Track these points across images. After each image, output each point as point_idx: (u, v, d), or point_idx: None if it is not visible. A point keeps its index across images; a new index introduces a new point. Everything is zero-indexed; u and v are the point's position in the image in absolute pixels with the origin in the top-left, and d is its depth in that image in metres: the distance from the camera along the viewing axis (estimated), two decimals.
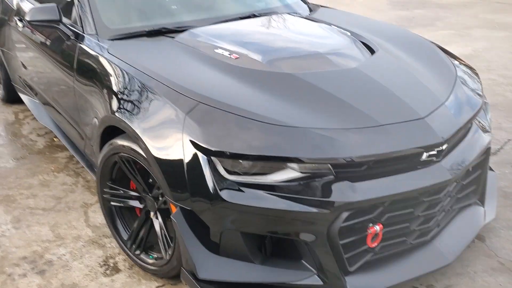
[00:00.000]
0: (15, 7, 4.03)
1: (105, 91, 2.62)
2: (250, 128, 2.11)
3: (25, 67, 3.98)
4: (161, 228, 2.46)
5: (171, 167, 2.14)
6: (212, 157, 2.05)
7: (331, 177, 2.06)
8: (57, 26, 3.07)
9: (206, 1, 3.45)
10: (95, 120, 2.73)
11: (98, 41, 2.86)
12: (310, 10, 3.63)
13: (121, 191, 2.63)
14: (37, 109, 4.01)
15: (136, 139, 2.31)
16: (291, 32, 3.12)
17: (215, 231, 2.10)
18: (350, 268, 2.15)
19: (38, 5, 3.32)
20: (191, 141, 2.08)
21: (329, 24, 3.18)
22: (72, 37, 3.01)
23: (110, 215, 2.70)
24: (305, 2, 3.76)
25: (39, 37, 3.47)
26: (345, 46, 2.81)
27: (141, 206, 2.57)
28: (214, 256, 2.13)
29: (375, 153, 2.11)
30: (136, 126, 2.29)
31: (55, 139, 4.10)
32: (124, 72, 2.55)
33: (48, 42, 3.35)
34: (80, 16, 3.03)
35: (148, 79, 2.42)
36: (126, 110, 2.41)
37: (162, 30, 2.98)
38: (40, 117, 3.93)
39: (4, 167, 3.64)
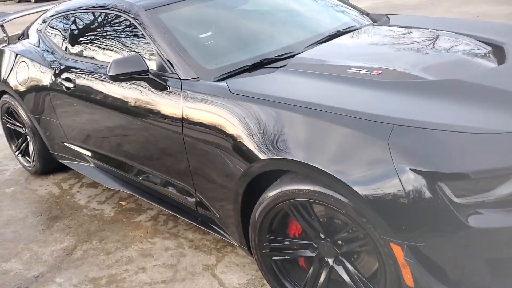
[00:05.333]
0: (54, 69, 3.68)
1: (242, 134, 2.31)
2: (463, 141, 1.88)
3: (76, 131, 3.61)
4: (351, 274, 2.19)
5: (387, 202, 1.88)
6: (439, 182, 1.82)
7: None
8: (145, 76, 2.75)
9: (288, 28, 3.27)
10: (229, 170, 2.42)
11: (207, 83, 2.59)
12: (373, 20, 3.49)
13: (287, 242, 2.34)
14: (100, 173, 3.63)
15: (318, 179, 2.05)
16: (402, 41, 2.91)
17: (456, 264, 1.85)
18: None
19: (118, 57, 2.89)
20: (409, 169, 1.84)
21: (425, 28, 3.05)
22: (168, 86, 2.71)
23: (273, 273, 2.40)
24: (365, 14, 3.64)
25: (108, 93, 3.13)
26: (472, 46, 2.67)
27: (313, 254, 2.29)
28: None
29: None
30: (320, 164, 2.02)
31: (121, 202, 3.72)
32: (266, 109, 2.27)
33: (123, 97, 3.00)
34: (168, 62, 2.75)
35: (306, 111, 2.14)
36: (293, 149, 2.12)
37: (263, 61, 2.76)
38: (106, 182, 3.54)
39: (88, 246, 3.22)
